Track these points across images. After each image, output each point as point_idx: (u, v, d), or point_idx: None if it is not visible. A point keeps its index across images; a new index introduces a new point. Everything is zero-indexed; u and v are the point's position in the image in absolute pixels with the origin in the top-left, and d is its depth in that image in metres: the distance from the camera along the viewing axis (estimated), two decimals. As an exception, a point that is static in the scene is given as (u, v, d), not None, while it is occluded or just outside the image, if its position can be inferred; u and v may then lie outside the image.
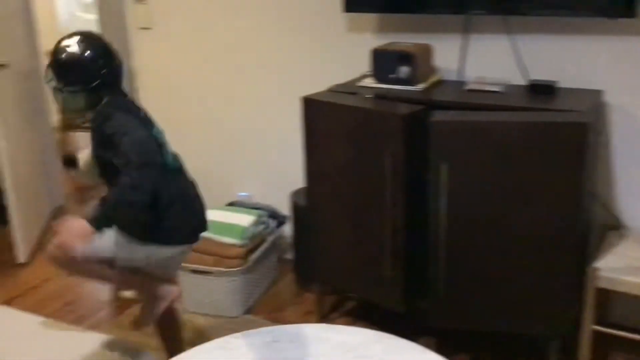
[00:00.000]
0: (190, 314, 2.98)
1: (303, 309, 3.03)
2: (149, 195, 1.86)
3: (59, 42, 2.00)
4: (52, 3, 5.75)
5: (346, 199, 2.55)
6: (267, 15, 3.20)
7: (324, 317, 2.89)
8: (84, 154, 2.19)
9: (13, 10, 3.75)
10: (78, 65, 1.97)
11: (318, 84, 2.73)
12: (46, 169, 4.14)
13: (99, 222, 1.81)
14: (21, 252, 3.47)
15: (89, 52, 1.98)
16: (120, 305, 3.08)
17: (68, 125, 5.36)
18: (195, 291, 2.97)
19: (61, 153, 2.16)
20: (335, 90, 2.68)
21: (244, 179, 3.52)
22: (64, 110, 2.05)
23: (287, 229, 3.29)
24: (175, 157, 2.17)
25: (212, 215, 3.01)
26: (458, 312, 2.40)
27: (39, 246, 3.69)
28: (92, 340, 2.12)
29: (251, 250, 2.97)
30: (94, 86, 1.96)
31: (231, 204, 3.32)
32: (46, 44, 5.01)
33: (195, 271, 2.93)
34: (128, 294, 3.16)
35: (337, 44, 3.04)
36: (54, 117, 4.87)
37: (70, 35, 2.02)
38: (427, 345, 1.76)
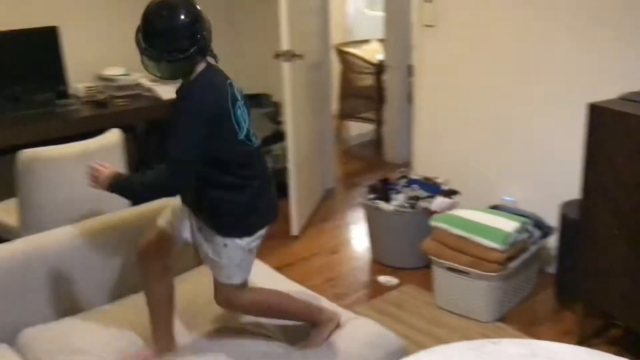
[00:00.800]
0: (441, 311, 2.99)
1: (560, 328, 2.84)
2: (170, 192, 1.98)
3: (153, 7, 1.82)
4: (343, 0, 6.17)
5: (628, 218, 2.32)
6: (558, 12, 3.03)
7: (584, 340, 2.67)
8: None
9: (314, 8, 4.11)
10: (177, 33, 1.81)
11: (608, 90, 2.51)
12: (323, 152, 4.48)
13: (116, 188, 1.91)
14: (295, 226, 3.82)
15: (186, 18, 1.80)
16: (378, 288, 3.22)
17: (346, 114, 5.74)
18: (449, 289, 2.97)
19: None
20: (628, 98, 2.44)
21: (510, 183, 3.40)
22: (157, 76, 1.94)
23: (552, 241, 3.11)
24: (255, 135, 2.00)
25: (474, 216, 2.98)
26: None
27: (310, 223, 4.02)
28: (344, 317, 2.23)
29: (511, 257, 2.86)
30: (190, 53, 1.82)
31: (494, 207, 3.24)
32: (335, 39, 5.41)
33: (451, 269, 2.93)
34: (383, 279, 3.28)
35: (637, 45, 2.76)
36: (334, 105, 5.26)
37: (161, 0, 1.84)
38: None
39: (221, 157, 1.88)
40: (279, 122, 4.57)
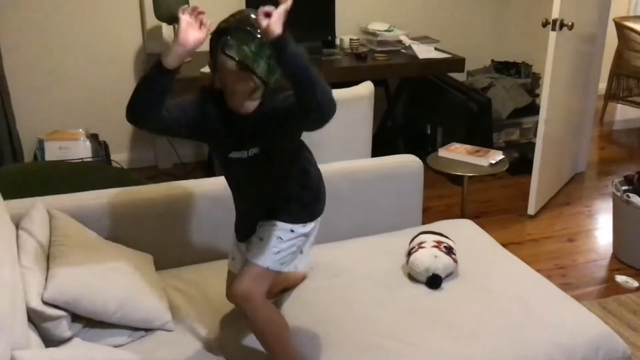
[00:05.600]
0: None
1: None
2: (324, 112, 1.57)
3: (250, 14, 1.61)
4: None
5: None
6: None
7: None
8: None
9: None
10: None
11: None
12: (579, 133, 4.16)
13: (291, 45, 1.52)
14: (532, 205, 3.64)
15: None
16: (613, 288, 2.96)
17: (614, 96, 5.23)
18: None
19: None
20: None
21: None
22: (264, 79, 1.62)
23: None
24: None
25: None
26: None
27: (549, 204, 3.80)
28: (574, 309, 2.09)
29: None
30: None
31: None
32: (616, 12, 4.91)
33: None
34: (622, 279, 3.00)
35: None
36: (602, 84, 4.82)
37: (246, 10, 1.66)
38: None
39: (299, 142, 1.83)
40: (535, 95, 4.35)
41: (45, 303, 1.64)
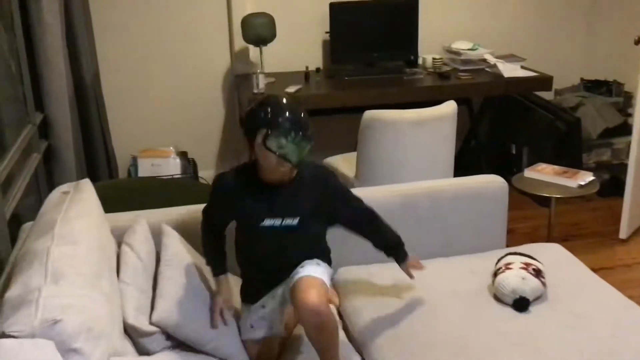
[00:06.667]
0: None
1: None
2: None
3: (280, 101, 1.76)
4: None
5: None
6: None
7: None
8: None
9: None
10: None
11: None
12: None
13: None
14: (624, 229, 3.49)
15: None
16: None
17: None
18: None
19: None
20: None
21: None
22: (297, 164, 1.77)
23: None
24: None
25: None
26: None
27: (643, 228, 3.64)
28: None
29: None
30: None
31: None
32: None
33: None
34: None
35: None
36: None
37: (275, 96, 1.79)
38: None
39: None
40: (627, 114, 4.18)
41: (151, 324, 1.67)
